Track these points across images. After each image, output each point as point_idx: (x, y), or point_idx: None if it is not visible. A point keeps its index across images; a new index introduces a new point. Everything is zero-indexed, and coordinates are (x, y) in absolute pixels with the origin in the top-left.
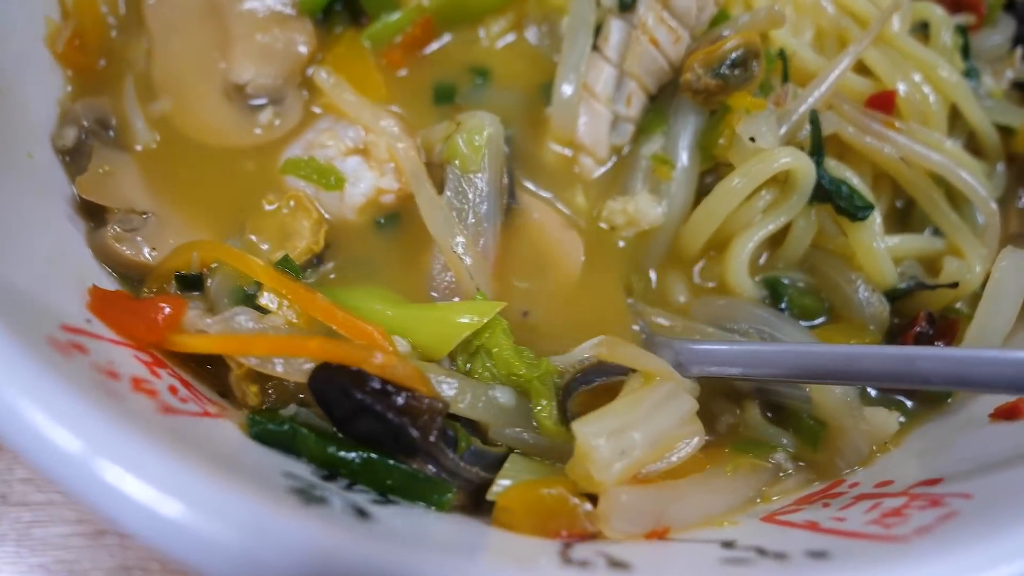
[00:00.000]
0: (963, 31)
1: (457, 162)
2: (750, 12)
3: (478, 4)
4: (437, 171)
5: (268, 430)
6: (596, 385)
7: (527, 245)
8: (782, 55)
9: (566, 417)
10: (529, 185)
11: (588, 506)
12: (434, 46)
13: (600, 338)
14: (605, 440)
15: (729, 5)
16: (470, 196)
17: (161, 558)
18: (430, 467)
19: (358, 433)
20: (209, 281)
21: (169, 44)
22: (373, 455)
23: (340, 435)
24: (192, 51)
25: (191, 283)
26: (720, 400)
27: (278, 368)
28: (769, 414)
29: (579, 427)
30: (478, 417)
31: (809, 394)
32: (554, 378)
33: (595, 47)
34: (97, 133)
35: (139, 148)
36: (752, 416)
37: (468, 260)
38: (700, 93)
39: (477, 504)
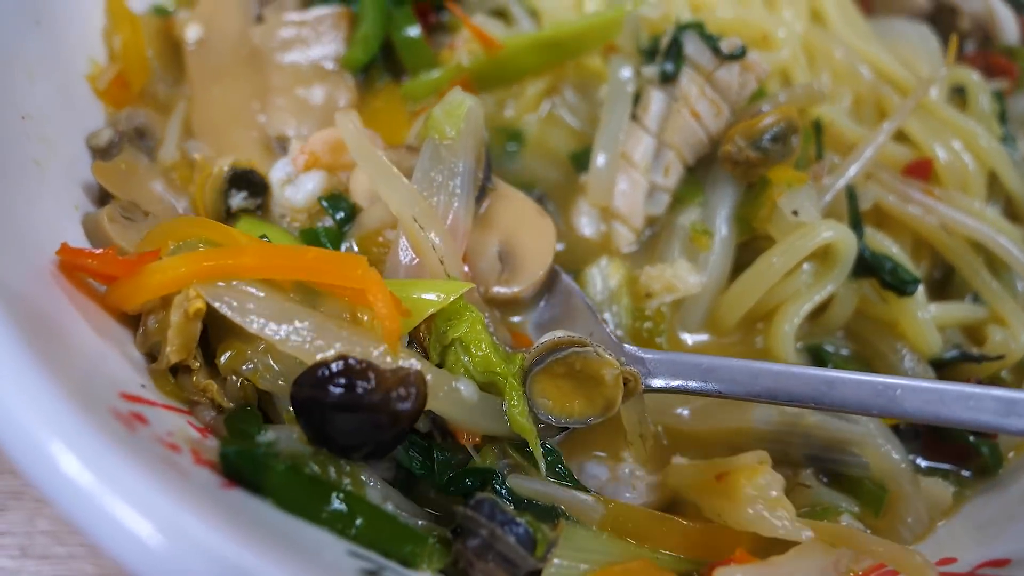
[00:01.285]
0: (1000, 97)
1: (435, 134)
2: (789, 89)
3: (517, 66)
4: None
5: (237, 465)
6: (551, 363)
7: (499, 227)
8: (817, 126)
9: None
10: (559, 246)
11: None
12: None
13: (560, 332)
14: None
15: (768, 80)
16: (445, 163)
17: None
18: (492, 562)
19: (341, 435)
20: None
21: (209, 91)
22: (354, 493)
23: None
24: (232, 100)
25: None
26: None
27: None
28: (824, 479)
29: None
30: (440, 409)
31: (867, 460)
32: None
33: (633, 116)
34: (133, 140)
35: (165, 166)
36: (809, 482)
37: (436, 239)
38: (740, 165)
39: None
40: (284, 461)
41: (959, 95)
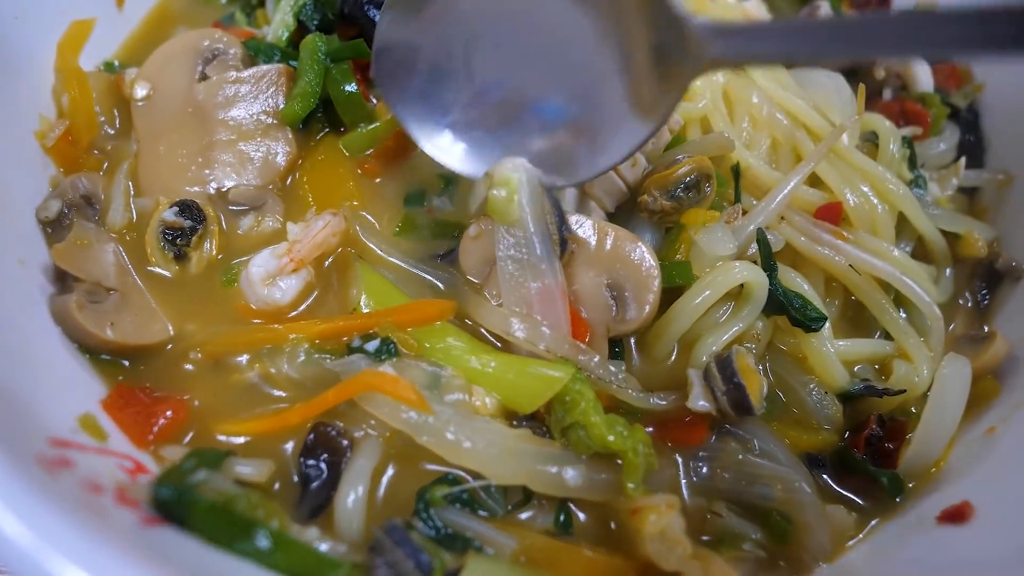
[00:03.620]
0: (909, 142)
1: (498, 218)
2: (702, 138)
3: None
4: None
5: (166, 501)
6: None
7: (598, 266)
8: (736, 170)
9: None
10: None
11: None
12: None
13: None
14: None
15: (689, 126)
16: (519, 240)
17: None
18: None
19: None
20: None
21: (155, 147)
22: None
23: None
24: (178, 155)
25: None
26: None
27: None
28: (736, 509)
29: None
30: (547, 491)
31: (775, 494)
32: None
33: None
34: (81, 209)
35: (116, 230)
36: (721, 511)
37: (543, 339)
38: (656, 213)
39: None
40: (210, 498)
41: (872, 140)
